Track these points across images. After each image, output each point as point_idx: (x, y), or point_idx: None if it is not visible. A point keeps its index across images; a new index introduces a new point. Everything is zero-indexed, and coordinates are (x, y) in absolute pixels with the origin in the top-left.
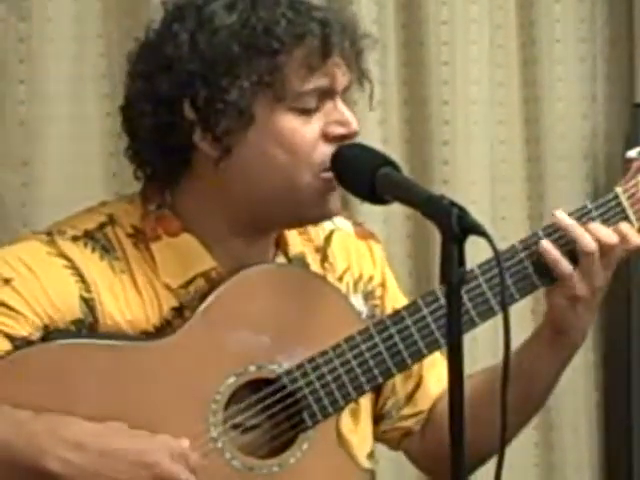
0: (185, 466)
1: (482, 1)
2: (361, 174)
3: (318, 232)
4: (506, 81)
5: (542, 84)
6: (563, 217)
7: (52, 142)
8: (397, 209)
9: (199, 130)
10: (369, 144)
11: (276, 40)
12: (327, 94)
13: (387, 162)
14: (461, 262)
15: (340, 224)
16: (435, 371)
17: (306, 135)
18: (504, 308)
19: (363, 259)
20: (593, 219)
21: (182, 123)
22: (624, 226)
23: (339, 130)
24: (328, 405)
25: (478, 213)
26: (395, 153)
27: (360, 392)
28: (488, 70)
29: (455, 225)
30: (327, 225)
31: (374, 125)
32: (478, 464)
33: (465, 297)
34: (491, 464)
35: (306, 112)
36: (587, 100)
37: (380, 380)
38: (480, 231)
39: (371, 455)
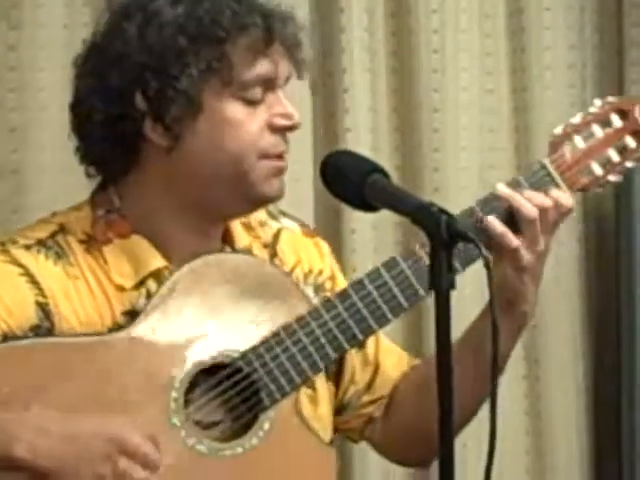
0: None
1: (472, 9)
2: (350, 181)
3: (266, 230)
4: (496, 88)
5: (532, 91)
6: (503, 188)
7: (43, 149)
8: (387, 216)
9: (149, 121)
10: (359, 152)
11: (222, 29)
12: (270, 85)
13: (376, 169)
14: (450, 269)
15: (286, 224)
16: (392, 358)
17: (252, 126)
18: (493, 315)
19: (311, 255)
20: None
21: (133, 114)
22: (554, 191)
23: (283, 122)
24: (285, 384)
25: None
26: (385, 161)
27: (315, 369)
28: (478, 77)
29: (444, 232)
30: (274, 224)
31: (365, 133)
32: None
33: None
34: (481, 469)
35: (252, 103)
36: (577, 107)
37: (333, 356)
38: (468, 238)
39: (331, 443)
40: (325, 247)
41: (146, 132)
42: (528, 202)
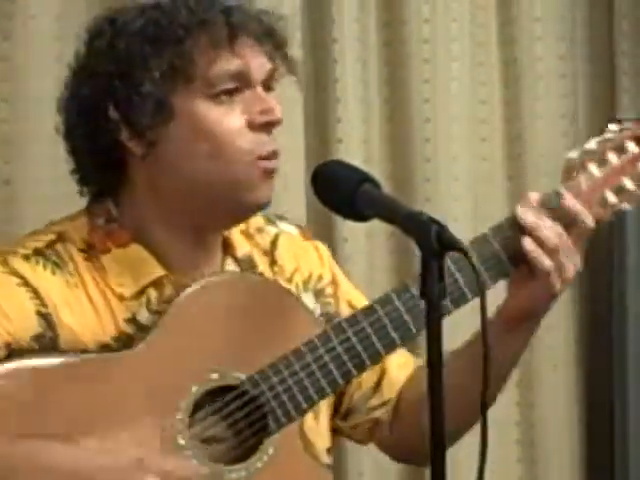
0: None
1: (463, 19)
2: (341, 191)
3: (264, 236)
4: (488, 98)
5: (523, 101)
6: (526, 215)
7: (34, 160)
8: (380, 225)
9: (125, 130)
10: (351, 162)
11: (180, 27)
12: (245, 82)
13: (367, 179)
14: (441, 278)
15: (284, 227)
16: (396, 360)
17: (229, 124)
18: (483, 323)
19: (310, 259)
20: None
21: (108, 125)
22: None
23: (263, 118)
24: (291, 409)
25: (460, 230)
26: (377, 170)
27: (322, 395)
28: (470, 87)
29: (434, 241)
30: (272, 229)
31: (357, 143)
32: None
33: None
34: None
35: (225, 101)
36: (568, 117)
37: (341, 382)
38: (459, 247)
39: (329, 450)
40: (324, 250)
41: (123, 141)
42: (549, 230)
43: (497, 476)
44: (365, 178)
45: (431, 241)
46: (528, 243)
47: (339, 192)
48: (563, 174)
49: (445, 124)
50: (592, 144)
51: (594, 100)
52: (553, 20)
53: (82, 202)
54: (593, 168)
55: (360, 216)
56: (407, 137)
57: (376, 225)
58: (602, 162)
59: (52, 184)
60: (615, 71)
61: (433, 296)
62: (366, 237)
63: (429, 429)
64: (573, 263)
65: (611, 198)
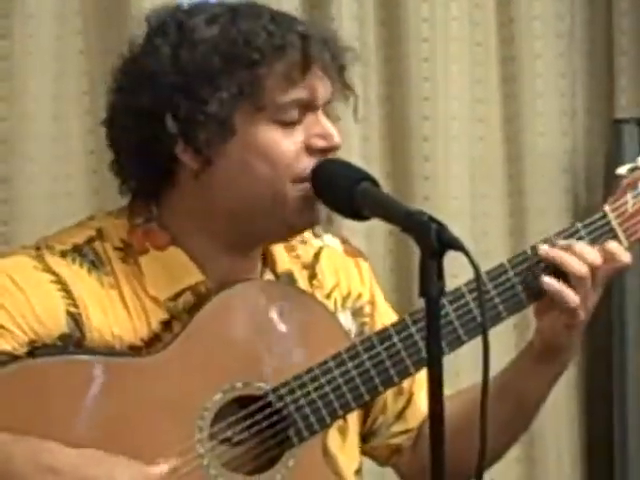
0: None
1: (462, 18)
2: (340, 190)
3: (307, 249)
4: (486, 97)
5: (522, 100)
6: (547, 251)
7: (33, 159)
8: (379, 225)
9: (181, 142)
10: (350, 160)
11: (256, 52)
12: (309, 107)
13: (366, 178)
14: (440, 277)
15: (328, 241)
16: (425, 390)
17: (288, 147)
18: (483, 322)
19: (351, 277)
20: (582, 239)
21: (164, 136)
22: (612, 245)
23: (320, 143)
24: (314, 422)
25: (459, 229)
26: (376, 169)
27: (347, 410)
28: (468, 86)
29: (434, 240)
30: (316, 242)
31: (356, 141)
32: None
33: (453, 315)
34: None
35: (288, 124)
36: (567, 116)
37: (367, 398)
38: (458, 246)
39: (358, 472)
40: (366, 269)
41: (178, 154)
42: (579, 259)
43: (496, 475)
44: (364, 177)
45: (431, 240)
46: (548, 282)
47: (338, 191)
48: (615, 191)
49: (444, 122)
50: None
51: (593, 99)
52: (552, 18)
53: (80, 200)
54: None
55: (359, 215)
56: (406, 135)
57: (375, 224)
58: None
59: (50, 183)
60: (614, 69)
61: (432, 295)
62: (365, 237)
63: (429, 429)
64: (597, 293)
65: None
